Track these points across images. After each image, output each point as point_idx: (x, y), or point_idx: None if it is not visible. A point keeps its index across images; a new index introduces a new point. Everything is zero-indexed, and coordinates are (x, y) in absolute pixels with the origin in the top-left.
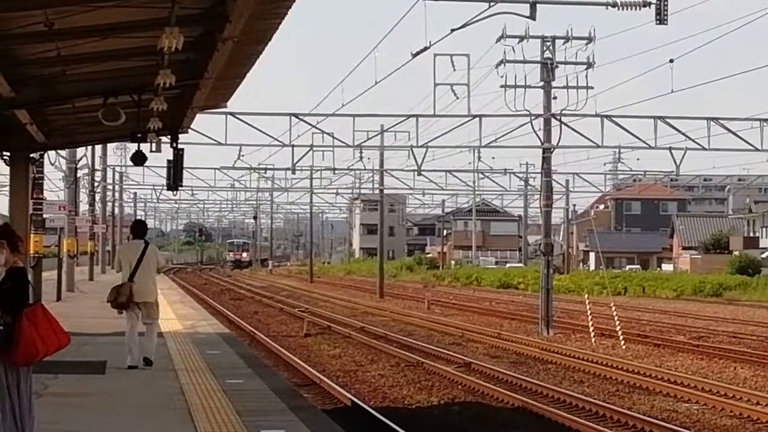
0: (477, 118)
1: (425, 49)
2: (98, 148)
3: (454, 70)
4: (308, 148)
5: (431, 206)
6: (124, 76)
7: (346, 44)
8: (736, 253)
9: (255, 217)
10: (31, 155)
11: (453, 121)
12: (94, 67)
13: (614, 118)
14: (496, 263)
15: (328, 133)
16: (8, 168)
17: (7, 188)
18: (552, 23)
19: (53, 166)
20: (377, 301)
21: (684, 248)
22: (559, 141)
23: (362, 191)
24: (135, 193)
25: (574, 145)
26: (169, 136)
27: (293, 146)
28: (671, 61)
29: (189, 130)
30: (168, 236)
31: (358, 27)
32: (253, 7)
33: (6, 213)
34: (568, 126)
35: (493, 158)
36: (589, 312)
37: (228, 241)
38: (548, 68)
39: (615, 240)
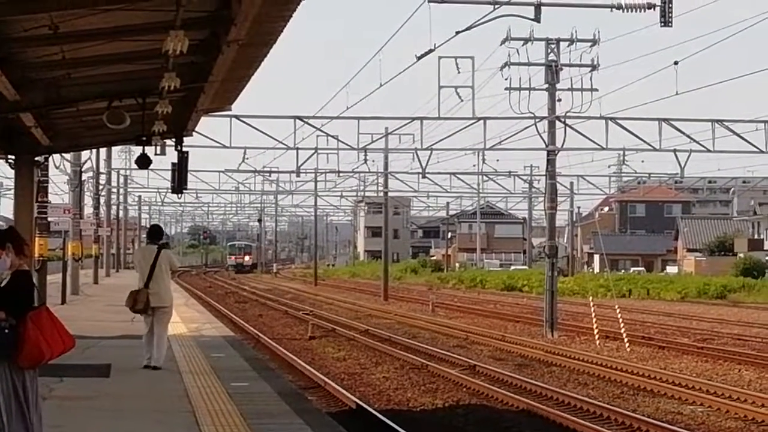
0: (481, 121)
1: (430, 51)
2: (103, 151)
3: (459, 72)
4: (313, 151)
5: (436, 209)
6: (128, 79)
7: (351, 47)
8: (741, 255)
9: (259, 220)
10: (36, 158)
11: (457, 124)
12: (99, 71)
13: (619, 121)
14: (501, 266)
15: (332, 136)
16: (13, 171)
17: (12, 191)
18: (556, 26)
19: (58, 169)
20: (382, 303)
21: (688, 250)
22: (563, 143)
23: (367, 194)
24: (139, 196)
25: (578, 148)
26: (173, 139)
27: (298, 149)
28: (676, 63)
29: (193, 133)
30: (172, 239)
31: (362, 30)
32: (257, 10)
33: (11, 216)
34: (573, 128)
35: (498, 161)
36: (593, 314)
37: (229, 243)
38: (553, 70)
39: (619, 242)
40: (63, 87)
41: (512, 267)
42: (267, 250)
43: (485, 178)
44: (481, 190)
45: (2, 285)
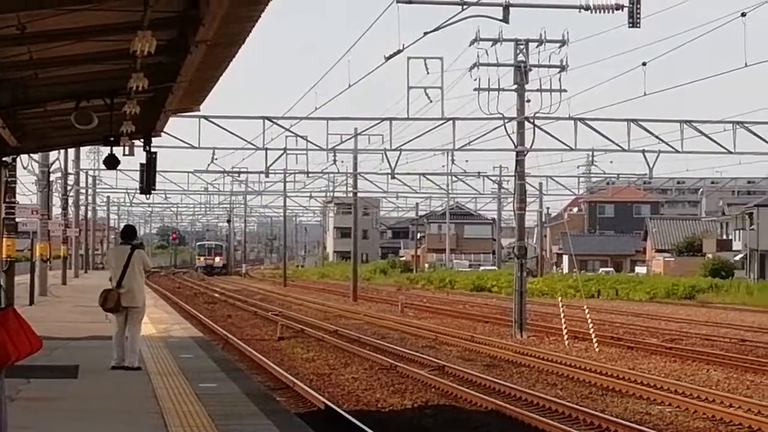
0: (450, 121)
1: (398, 52)
2: (71, 151)
3: (428, 73)
4: (282, 152)
5: (405, 209)
6: (96, 79)
7: (319, 47)
8: (709, 255)
9: (229, 221)
10: (4, 159)
11: (426, 125)
12: (67, 71)
13: (587, 121)
14: (470, 266)
15: (301, 137)
16: None
17: None
18: (525, 27)
19: (26, 169)
20: (351, 304)
21: (657, 251)
22: (532, 144)
23: (336, 194)
24: (108, 197)
25: (547, 148)
26: (142, 140)
27: (267, 149)
28: (644, 64)
29: (162, 134)
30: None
31: (331, 30)
32: (226, 11)
33: None
34: (542, 129)
35: (467, 161)
36: (562, 315)
37: (198, 243)
38: (521, 71)
39: (588, 243)
40: (30, 87)
41: (481, 267)
42: (236, 250)
43: (454, 178)
44: (450, 191)
45: None
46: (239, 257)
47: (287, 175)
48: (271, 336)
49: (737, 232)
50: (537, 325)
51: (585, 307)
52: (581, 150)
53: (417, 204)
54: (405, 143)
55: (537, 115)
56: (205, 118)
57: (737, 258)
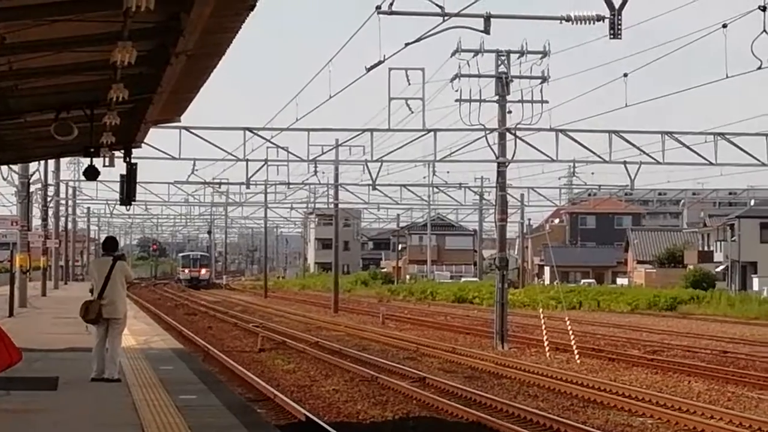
0: (432, 133)
1: (379, 63)
2: (51, 162)
3: (409, 84)
4: (263, 163)
5: (386, 221)
6: (76, 90)
7: (300, 58)
8: (691, 267)
9: (209, 232)
10: None
11: (408, 136)
12: (47, 82)
13: (569, 133)
14: (451, 277)
15: (282, 148)
16: None
17: None
18: (507, 38)
19: (5, 180)
20: (332, 315)
21: (639, 262)
22: (513, 155)
23: (317, 206)
24: (88, 208)
25: (528, 160)
26: (122, 151)
27: (247, 161)
28: (625, 75)
29: (142, 145)
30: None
31: (312, 41)
32: (206, 22)
33: None
34: (523, 140)
35: (448, 172)
36: (543, 326)
37: (181, 254)
38: (503, 82)
39: (570, 254)
40: (10, 98)
41: (463, 279)
42: (217, 261)
43: (436, 189)
44: (431, 202)
45: None
46: (220, 268)
47: (268, 186)
48: (251, 348)
49: (718, 243)
50: (518, 336)
51: (566, 318)
52: (563, 161)
53: (398, 215)
54: (386, 154)
55: (518, 126)
56: (186, 129)
57: (718, 269)
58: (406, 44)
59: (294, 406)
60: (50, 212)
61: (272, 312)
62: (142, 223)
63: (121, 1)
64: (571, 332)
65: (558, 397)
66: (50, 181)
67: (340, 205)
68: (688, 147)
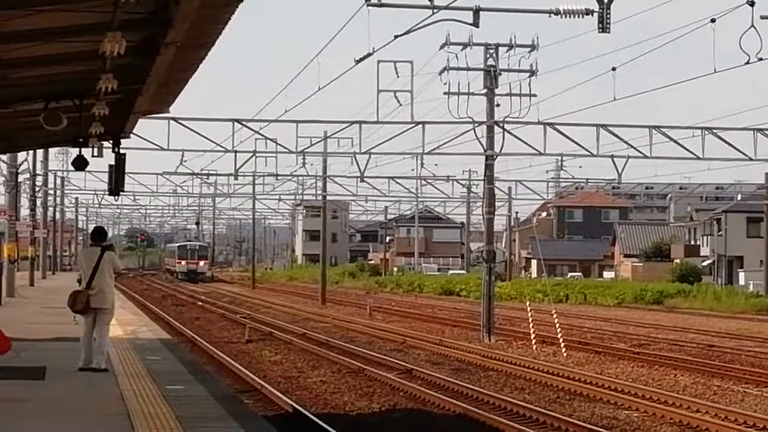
0: (420, 125)
1: (368, 55)
2: (40, 152)
3: (398, 76)
4: (251, 154)
5: (374, 213)
6: (65, 80)
7: (290, 50)
8: (677, 261)
9: (197, 223)
10: None
11: (396, 128)
12: (36, 72)
13: (557, 126)
14: (439, 270)
15: (271, 139)
16: None
17: None
18: (495, 31)
19: None
20: (319, 307)
21: (625, 256)
22: (501, 148)
23: (305, 197)
24: (77, 198)
25: (516, 153)
26: (111, 141)
27: (236, 152)
28: (614, 69)
29: (131, 135)
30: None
31: (301, 33)
32: (196, 13)
33: None
34: (511, 133)
35: (436, 165)
36: (530, 319)
37: (177, 244)
38: (491, 76)
39: (557, 247)
40: None
41: (450, 271)
42: None
43: (424, 182)
44: (419, 195)
45: None
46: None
47: (256, 177)
48: (239, 338)
49: (705, 237)
50: (505, 329)
51: (553, 311)
52: (550, 155)
53: (386, 207)
54: (374, 146)
55: (506, 119)
56: (175, 119)
57: (705, 263)
58: (395, 37)
59: (281, 397)
60: (38, 202)
61: (260, 303)
62: (130, 214)
63: None
64: (557, 325)
65: (544, 390)
66: (39, 171)
67: (329, 197)
68: (675, 141)
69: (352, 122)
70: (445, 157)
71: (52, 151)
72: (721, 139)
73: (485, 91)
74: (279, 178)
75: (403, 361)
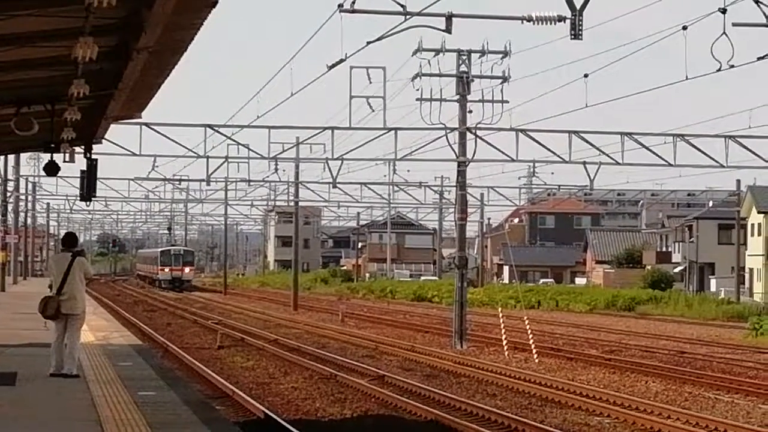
0: (393, 131)
1: (341, 61)
2: (11, 157)
3: (370, 82)
4: (223, 160)
5: (346, 219)
6: (37, 85)
7: (262, 55)
8: (649, 267)
9: (169, 229)
10: None
11: (368, 134)
12: (7, 76)
13: (529, 132)
14: (411, 276)
15: (243, 145)
16: None
17: None
18: (468, 37)
19: None
20: (291, 313)
21: (597, 262)
22: (474, 154)
23: (277, 203)
24: (48, 204)
25: (489, 159)
26: (82, 147)
27: (208, 157)
28: (586, 76)
29: (103, 141)
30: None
31: (273, 38)
32: (168, 18)
33: None
34: (483, 140)
35: (409, 171)
36: (502, 325)
37: (161, 249)
38: (464, 82)
39: (529, 253)
40: None
41: (422, 277)
42: None
43: (396, 188)
44: (391, 201)
45: None
46: None
47: (228, 183)
48: (211, 344)
49: (677, 244)
50: (477, 335)
51: (525, 317)
52: (523, 161)
53: (358, 213)
54: (347, 152)
55: (479, 125)
56: (147, 125)
57: (677, 270)
58: (368, 43)
59: (253, 403)
60: (10, 207)
61: (231, 309)
62: (102, 219)
63: None
64: (529, 331)
65: (516, 396)
66: (10, 176)
67: (301, 203)
68: (647, 148)
69: (325, 128)
70: (418, 163)
71: (23, 156)
72: (693, 146)
73: (458, 97)
74: (251, 183)
75: (375, 367)
